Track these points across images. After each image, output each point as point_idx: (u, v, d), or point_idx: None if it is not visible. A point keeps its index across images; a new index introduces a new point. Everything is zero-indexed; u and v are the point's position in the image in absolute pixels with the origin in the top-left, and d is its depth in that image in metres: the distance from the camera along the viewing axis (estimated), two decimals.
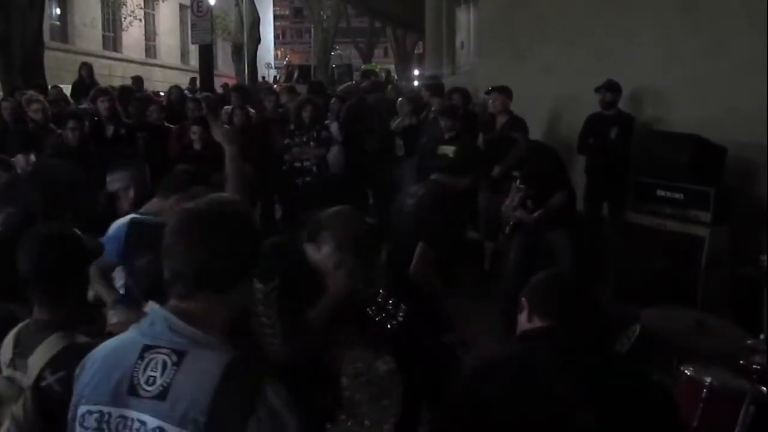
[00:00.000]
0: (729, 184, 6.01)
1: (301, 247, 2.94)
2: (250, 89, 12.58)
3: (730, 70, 6.23)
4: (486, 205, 7.40)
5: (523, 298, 2.37)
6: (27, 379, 2.16)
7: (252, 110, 9.29)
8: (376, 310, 3.05)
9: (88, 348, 1.89)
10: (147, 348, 1.65)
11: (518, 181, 5.96)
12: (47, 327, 2.23)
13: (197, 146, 7.44)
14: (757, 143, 6.04)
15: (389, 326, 3.02)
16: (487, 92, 7.60)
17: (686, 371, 3.06)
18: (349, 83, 18.28)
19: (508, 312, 5.73)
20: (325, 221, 2.95)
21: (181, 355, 1.62)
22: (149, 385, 1.62)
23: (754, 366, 2.98)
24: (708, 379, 2.98)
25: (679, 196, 5.96)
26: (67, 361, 2.06)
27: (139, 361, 1.64)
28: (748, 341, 3.07)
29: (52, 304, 2.27)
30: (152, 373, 1.62)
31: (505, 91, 7.36)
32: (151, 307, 1.63)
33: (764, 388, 2.90)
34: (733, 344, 3.35)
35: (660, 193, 6.07)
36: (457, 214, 6.33)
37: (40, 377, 2.15)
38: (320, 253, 2.91)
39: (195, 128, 7.49)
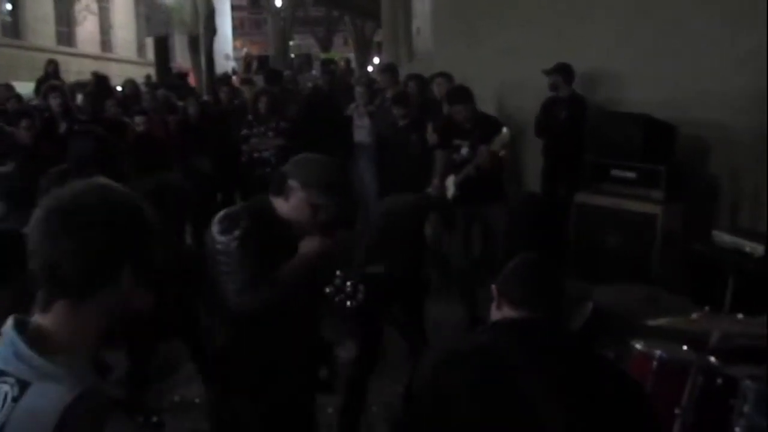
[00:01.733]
0: (680, 162, 6.12)
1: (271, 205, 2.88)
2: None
3: (680, 50, 6.32)
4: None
5: (492, 286, 2.31)
6: None
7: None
8: (334, 291, 3.03)
9: None
10: None
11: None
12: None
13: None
14: (708, 121, 6.15)
15: (348, 305, 3.01)
16: (431, 78, 7.64)
17: (637, 345, 3.12)
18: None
19: (464, 285, 5.88)
20: (288, 170, 2.89)
21: (23, 387, 1.36)
22: None
23: (702, 338, 3.05)
24: (658, 352, 3.05)
25: (632, 175, 6.06)
26: None
27: None
28: (695, 314, 3.14)
29: None
30: None
31: (449, 77, 7.39)
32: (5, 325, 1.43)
33: (712, 359, 2.97)
34: (684, 318, 3.42)
35: (614, 172, 6.18)
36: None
37: None
38: (289, 205, 2.85)
39: (138, 118, 7.52)
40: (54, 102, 7.68)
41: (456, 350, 2.24)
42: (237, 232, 2.75)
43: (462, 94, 6.14)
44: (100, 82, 10.76)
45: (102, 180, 1.49)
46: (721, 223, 5.89)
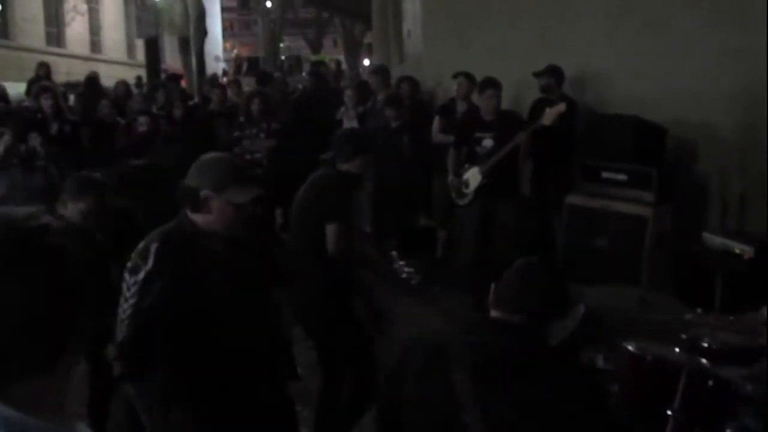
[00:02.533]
0: (671, 164, 6.15)
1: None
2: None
3: (668, 50, 6.35)
4: (441, 191, 7.46)
5: (492, 285, 2.36)
6: None
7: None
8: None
9: None
10: None
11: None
12: None
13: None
14: (697, 122, 6.19)
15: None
16: (454, 76, 7.66)
17: (628, 347, 3.14)
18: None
19: (472, 287, 5.87)
20: (193, 182, 2.76)
21: None
22: None
23: (693, 339, 3.07)
24: (649, 354, 3.06)
25: (622, 177, 6.08)
26: None
27: None
28: (687, 316, 3.16)
29: None
30: None
31: (472, 78, 7.41)
32: None
33: (703, 360, 2.99)
34: (676, 320, 3.45)
35: (605, 174, 6.19)
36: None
37: None
38: (212, 216, 2.74)
39: (141, 119, 7.49)
40: (45, 103, 7.64)
41: (419, 340, 2.40)
42: (141, 275, 2.65)
43: (494, 81, 6.34)
44: (91, 83, 10.75)
45: None
46: (711, 225, 5.92)
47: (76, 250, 1.19)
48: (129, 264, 2.71)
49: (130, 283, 2.67)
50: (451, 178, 6.43)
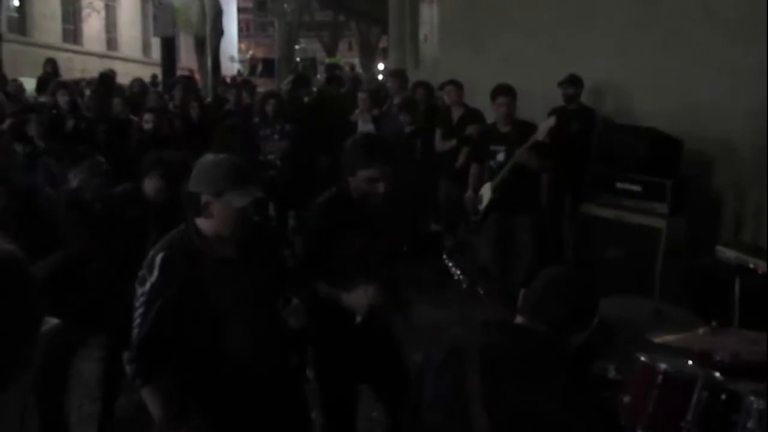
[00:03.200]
0: (685, 176, 6.13)
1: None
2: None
3: (686, 63, 6.35)
4: (447, 196, 7.46)
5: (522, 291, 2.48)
6: None
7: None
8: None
9: None
10: None
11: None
12: None
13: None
14: (712, 136, 6.17)
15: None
16: (441, 87, 7.68)
17: (642, 358, 3.12)
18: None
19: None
20: (195, 187, 2.75)
21: None
22: None
23: (708, 353, 3.05)
24: (663, 366, 3.04)
25: (637, 188, 6.06)
26: None
27: None
28: (701, 329, 3.14)
29: None
30: None
31: (459, 85, 7.44)
32: None
33: (717, 374, 2.97)
34: (691, 332, 3.43)
35: (619, 185, 6.17)
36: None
37: None
38: (215, 221, 2.73)
39: (147, 116, 7.51)
40: (62, 99, 7.70)
41: (455, 346, 2.38)
42: (147, 286, 2.69)
43: (506, 88, 6.10)
44: (104, 79, 10.77)
45: None
46: (724, 238, 5.90)
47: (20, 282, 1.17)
48: (139, 274, 2.75)
49: (138, 294, 2.72)
50: (468, 194, 6.25)
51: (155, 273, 2.69)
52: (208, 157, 2.89)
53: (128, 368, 2.74)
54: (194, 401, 2.80)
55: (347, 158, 3.34)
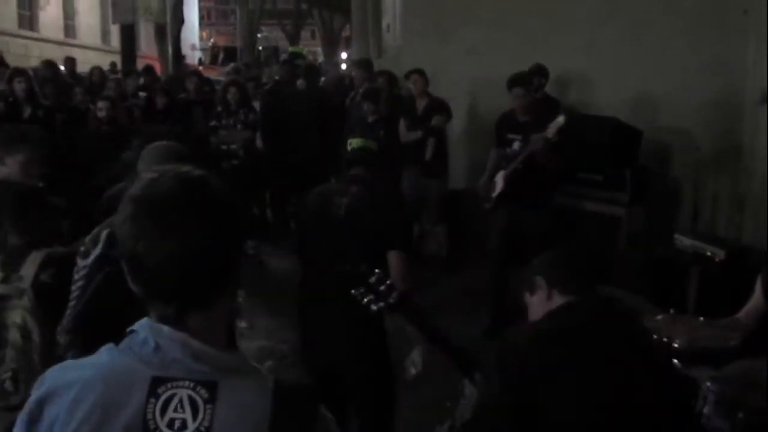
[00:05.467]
0: (644, 166, 6.22)
1: None
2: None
3: (646, 56, 6.43)
4: (412, 187, 7.44)
5: (538, 278, 2.56)
6: (25, 283, 2.86)
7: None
8: (364, 291, 2.64)
9: (69, 255, 2.75)
10: (158, 381, 1.25)
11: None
12: (25, 248, 2.90)
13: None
14: (672, 127, 6.27)
15: (374, 308, 2.63)
16: (406, 76, 7.63)
17: None
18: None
19: (496, 291, 5.73)
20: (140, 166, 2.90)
21: (211, 388, 1.25)
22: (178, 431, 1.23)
23: (664, 340, 3.11)
24: None
25: (598, 177, 6.13)
26: (53, 261, 2.89)
27: (152, 399, 1.24)
28: (658, 316, 3.20)
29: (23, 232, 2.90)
30: (178, 415, 1.23)
31: (424, 74, 7.41)
32: (141, 323, 1.36)
33: (675, 361, 3.03)
34: (647, 321, 3.48)
35: (580, 175, 6.24)
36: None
37: (36, 278, 2.86)
38: None
39: (101, 104, 7.40)
40: (18, 87, 7.53)
41: (542, 331, 2.52)
42: (89, 260, 2.74)
43: (520, 79, 5.87)
44: (50, 65, 10.41)
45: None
46: (682, 227, 6.00)
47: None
48: (81, 248, 2.82)
49: (80, 267, 2.78)
50: (483, 179, 6.02)
51: (99, 247, 2.75)
52: (156, 143, 3.07)
53: (61, 339, 2.78)
54: None
55: None
